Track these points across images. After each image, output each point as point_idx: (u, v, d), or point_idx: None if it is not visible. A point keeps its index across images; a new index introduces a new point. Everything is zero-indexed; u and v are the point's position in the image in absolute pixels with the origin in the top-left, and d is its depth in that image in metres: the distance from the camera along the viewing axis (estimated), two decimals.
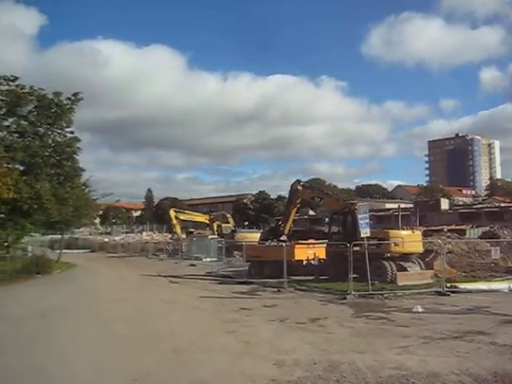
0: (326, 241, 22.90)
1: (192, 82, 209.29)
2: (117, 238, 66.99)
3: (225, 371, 8.09)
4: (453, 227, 39.54)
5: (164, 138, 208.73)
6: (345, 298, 16.27)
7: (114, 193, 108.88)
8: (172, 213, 49.42)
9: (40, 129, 26.92)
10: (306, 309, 14.76)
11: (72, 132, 27.68)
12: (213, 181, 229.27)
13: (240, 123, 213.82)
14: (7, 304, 15.96)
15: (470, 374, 7.41)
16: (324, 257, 22.18)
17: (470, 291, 16.82)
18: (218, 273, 26.69)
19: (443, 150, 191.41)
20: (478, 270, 22.32)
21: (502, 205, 61.89)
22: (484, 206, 64.02)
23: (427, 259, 21.32)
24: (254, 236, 34.42)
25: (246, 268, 24.50)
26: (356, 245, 18.06)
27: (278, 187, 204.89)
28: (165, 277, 25.34)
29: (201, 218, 51.80)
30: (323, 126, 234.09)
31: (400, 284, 18.14)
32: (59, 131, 27.36)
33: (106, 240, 64.93)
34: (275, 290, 19.16)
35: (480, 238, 31.82)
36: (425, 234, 28.77)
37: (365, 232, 18.74)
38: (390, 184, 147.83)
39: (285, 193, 69.89)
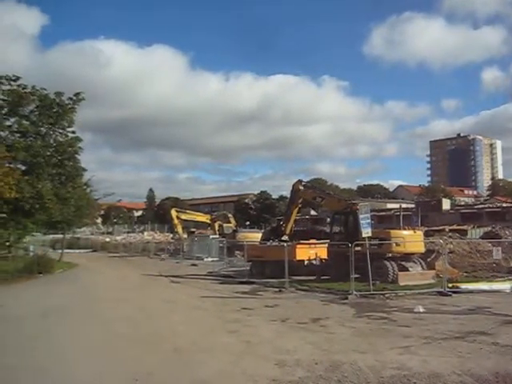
0: (328, 241, 22.88)
1: (194, 82, 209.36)
2: (118, 238, 67.03)
3: (226, 371, 8.09)
4: (454, 227, 39.45)
5: (166, 138, 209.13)
6: (346, 298, 16.26)
7: (116, 192, 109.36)
8: (173, 213, 49.46)
9: (42, 129, 27.00)
10: (307, 309, 14.75)
11: (74, 132, 27.82)
12: (214, 181, 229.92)
13: (242, 123, 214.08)
14: (9, 303, 15.98)
15: (472, 374, 7.40)
16: (325, 257, 22.19)
17: (471, 291, 16.78)
18: (219, 273, 26.69)
19: (445, 150, 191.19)
20: (479, 270, 22.29)
21: (504, 205, 61.81)
22: (486, 206, 63.89)
23: (429, 259, 21.30)
24: (256, 236, 34.41)
25: (248, 268, 24.48)
26: (357, 245, 18.04)
27: (280, 187, 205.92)
28: (166, 276, 25.36)
29: (202, 217, 51.82)
30: (325, 126, 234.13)
31: (401, 284, 18.13)
32: (61, 131, 27.46)
33: (108, 240, 64.97)
34: (277, 289, 19.15)
35: (482, 238, 31.75)
36: (426, 234, 28.77)
37: (366, 232, 18.72)
38: (392, 184, 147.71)
39: (286, 193, 70.11)
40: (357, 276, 17.58)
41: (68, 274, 28.34)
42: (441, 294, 16.55)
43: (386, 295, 16.54)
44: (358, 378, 7.40)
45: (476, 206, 66.28)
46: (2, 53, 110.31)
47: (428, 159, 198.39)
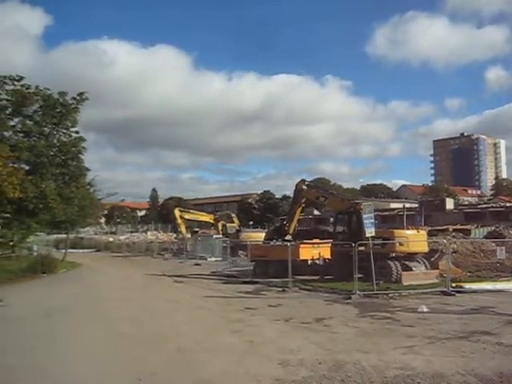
0: (331, 240, 22.85)
1: (197, 81, 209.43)
2: (122, 238, 67.07)
3: (229, 371, 8.10)
4: (458, 227, 39.35)
5: (169, 138, 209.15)
6: (350, 298, 16.25)
7: (119, 192, 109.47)
8: (177, 212, 49.44)
9: (45, 128, 27.06)
10: (310, 308, 14.75)
11: (77, 132, 27.87)
12: (218, 180, 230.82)
13: (245, 123, 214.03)
14: (13, 303, 15.99)
15: (476, 374, 7.39)
16: (329, 256, 22.18)
17: (475, 291, 16.76)
18: (222, 272, 26.70)
19: (448, 150, 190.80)
20: (483, 269, 22.21)
21: (508, 204, 61.52)
22: (489, 205, 63.65)
23: (432, 259, 21.27)
24: (259, 236, 34.38)
25: (251, 268, 24.49)
26: (361, 244, 18.05)
27: (283, 187, 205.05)
28: (169, 276, 25.37)
29: (206, 217, 51.79)
30: (328, 126, 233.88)
31: (405, 284, 18.10)
32: (64, 131, 27.51)
33: (111, 239, 65.02)
34: (280, 289, 19.16)
35: (485, 237, 31.67)
36: (430, 234, 28.70)
37: (370, 232, 18.73)
38: (395, 184, 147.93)
39: (290, 192, 69.36)
40: (360, 276, 17.58)
41: (71, 274, 28.38)
42: (444, 293, 16.52)
43: (390, 295, 16.52)
44: (362, 378, 7.39)
45: (480, 206, 66.03)
46: (6, 53, 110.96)
47: (431, 159, 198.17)
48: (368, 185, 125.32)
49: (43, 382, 7.92)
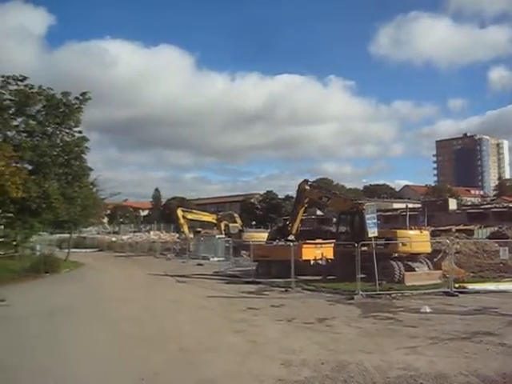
0: (334, 241, 22.88)
1: (200, 81, 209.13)
2: (124, 238, 67.24)
3: (232, 371, 8.10)
4: (461, 227, 39.31)
5: (172, 138, 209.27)
6: (352, 298, 16.24)
7: (122, 192, 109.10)
8: (179, 212, 49.54)
9: (48, 128, 27.14)
10: (313, 309, 14.74)
11: (80, 131, 27.97)
12: (220, 180, 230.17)
13: (248, 123, 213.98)
14: (16, 302, 16.03)
15: (479, 375, 7.37)
16: (331, 257, 22.18)
17: (478, 292, 16.72)
18: (225, 272, 26.72)
19: (451, 150, 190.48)
20: (486, 270, 22.18)
21: (511, 205, 61.45)
22: (492, 206, 63.46)
23: (435, 259, 21.24)
24: (262, 236, 34.44)
25: (254, 268, 24.47)
26: (364, 245, 18.02)
27: (286, 187, 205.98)
28: (172, 276, 25.40)
29: (208, 217, 51.86)
30: (331, 126, 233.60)
31: (408, 284, 18.10)
32: (67, 131, 27.60)
33: (114, 239, 65.21)
34: (283, 289, 19.15)
35: (488, 238, 31.63)
36: (433, 234, 28.69)
37: (372, 232, 18.70)
38: (398, 184, 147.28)
39: (292, 192, 69.92)
40: (363, 276, 17.55)
41: (74, 274, 28.44)
42: (447, 294, 16.49)
43: (393, 295, 16.50)
44: (364, 379, 7.38)
45: (483, 206, 65.85)
46: (9, 53, 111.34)
47: (434, 159, 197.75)
48: (371, 185, 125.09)
49: (45, 382, 7.92)
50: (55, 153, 26.85)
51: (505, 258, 21.11)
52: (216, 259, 36.63)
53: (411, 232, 20.97)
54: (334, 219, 39.50)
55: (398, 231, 20.68)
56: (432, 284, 18.13)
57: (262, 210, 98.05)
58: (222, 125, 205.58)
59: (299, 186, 24.61)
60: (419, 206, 61.31)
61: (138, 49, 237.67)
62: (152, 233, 74.41)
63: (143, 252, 48.53)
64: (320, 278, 21.17)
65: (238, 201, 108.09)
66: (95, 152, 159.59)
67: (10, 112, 26.10)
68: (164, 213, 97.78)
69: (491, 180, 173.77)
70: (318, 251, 22.75)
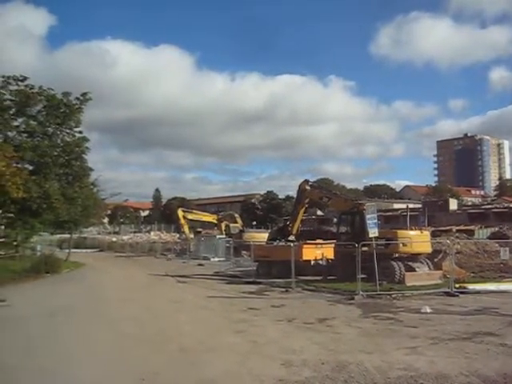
0: (334, 241, 22.89)
1: (200, 82, 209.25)
2: (125, 238, 67.29)
3: (232, 371, 8.09)
4: (461, 227, 39.37)
5: (172, 138, 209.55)
6: (353, 299, 16.23)
7: (123, 192, 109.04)
8: (180, 212, 49.54)
9: (49, 129, 27.14)
10: (313, 309, 14.73)
11: (81, 132, 27.97)
12: (221, 181, 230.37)
13: (248, 123, 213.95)
14: (16, 303, 16.02)
15: (479, 375, 7.37)
16: (332, 257, 22.17)
17: (478, 292, 16.71)
18: (225, 272, 26.74)
19: (452, 150, 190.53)
20: (486, 270, 22.19)
21: (511, 205, 61.46)
22: (493, 206, 63.53)
23: (436, 260, 21.23)
24: (262, 236, 34.40)
25: (254, 268, 24.43)
26: (364, 245, 18.01)
27: (286, 187, 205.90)
28: (172, 276, 25.40)
29: (209, 217, 51.87)
30: (331, 126, 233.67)
31: (408, 284, 18.08)
32: (68, 131, 27.61)
33: (114, 239, 65.25)
34: (283, 289, 19.15)
35: (489, 238, 31.65)
36: (433, 235, 28.72)
37: (373, 232, 18.69)
38: (399, 184, 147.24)
39: (293, 193, 69.89)
40: (363, 276, 17.54)
41: (75, 274, 28.43)
42: (448, 294, 16.48)
43: (393, 295, 16.49)
44: (365, 379, 7.38)
45: (483, 207, 65.89)
46: (10, 53, 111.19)
47: (435, 159, 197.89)
48: (371, 185, 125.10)
49: (46, 382, 7.93)
50: (56, 153, 26.84)
51: (505, 258, 21.11)
52: (216, 259, 36.67)
53: (412, 232, 20.96)
54: (335, 219, 39.50)
55: (398, 231, 20.66)
56: (432, 284, 18.12)
57: (263, 211, 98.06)
58: (223, 125, 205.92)
59: (300, 186, 24.61)
60: (420, 206, 61.33)
61: (138, 49, 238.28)
62: (152, 233, 74.49)
63: (144, 252, 48.54)
64: (320, 278, 21.18)
65: (238, 201, 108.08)
66: (96, 152, 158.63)
67: (11, 112, 26.10)
68: (164, 213, 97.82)
69: (492, 180, 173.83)
70: (318, 251, 22.75)
